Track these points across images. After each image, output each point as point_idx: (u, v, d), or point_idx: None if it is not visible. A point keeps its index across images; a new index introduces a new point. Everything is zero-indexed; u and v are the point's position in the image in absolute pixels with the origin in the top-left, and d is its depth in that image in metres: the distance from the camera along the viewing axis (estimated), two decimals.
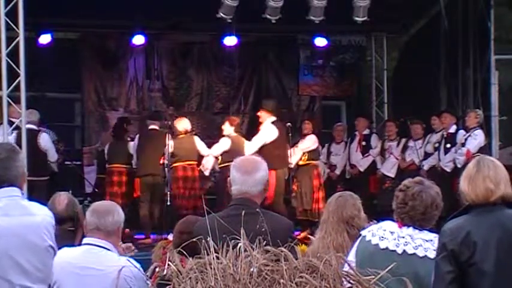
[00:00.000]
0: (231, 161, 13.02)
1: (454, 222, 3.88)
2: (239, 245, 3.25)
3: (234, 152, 11.78)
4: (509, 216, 3.87)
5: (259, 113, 12.00)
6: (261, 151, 11.35)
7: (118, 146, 12.71)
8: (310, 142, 12.75)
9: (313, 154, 12.77)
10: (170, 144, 11.84)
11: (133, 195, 12.36)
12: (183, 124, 12.28)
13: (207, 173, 12.21)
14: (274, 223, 3.86)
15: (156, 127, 12.56)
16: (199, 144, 12.16)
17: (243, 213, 3.71)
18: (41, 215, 3.87)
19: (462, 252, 3.78)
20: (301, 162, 12.59)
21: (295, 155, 12.40)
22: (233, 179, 4.06)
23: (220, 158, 11.95)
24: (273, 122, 11.68)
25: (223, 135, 12.16)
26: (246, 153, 11.58)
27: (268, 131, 11.59)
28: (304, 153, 12.64)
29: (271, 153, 10.99)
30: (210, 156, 12.11)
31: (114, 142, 12.86)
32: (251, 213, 3.80)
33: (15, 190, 3.84)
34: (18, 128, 10.58)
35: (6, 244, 3.71)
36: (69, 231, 5.20)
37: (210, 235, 3.40)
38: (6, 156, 3.84)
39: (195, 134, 12.67)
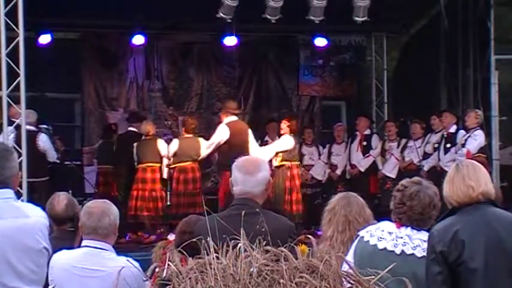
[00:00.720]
0: (180, 162, 13.13)
1: (441, 223, 3.93)
2: (239, 245, 3.25)
3: (183, 154, 11.95)
4: (494, 213, 3.92)
5: (220, 114, 12.01)
6: (218, 152, 11.52)
7: (105, 146, 12.91)
8: (283, 143, 12.23)
9: (288, 155, 12.14)
10: (134, 146, 12.24)
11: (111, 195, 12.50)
12: (144, 127, 12.43)
13: (164, 175, 12.23)
14: (275, 223, 3.86)
15: (134, 129, 12.67)
16: (161, 146, 12.24)
17: (243, 213, 3.71)
18: (35, 216, 3.84)
19: (451, 253, 3.82)
20: (275, 163, 12.07)
21: (266, 155, 11.82)
22: (235, 179, 4.07)
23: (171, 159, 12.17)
24: (228, 123, 11.42)
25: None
26: (200, 155, 11.80)
27: (219, 132, 11.44)
28: (277, 153, 12.11)
29: (226, 154, 11.07)
30: (164, 158, 12.22)
31: (102, 142, 13.12)
32: (252, 213, 3.81)
33: (8, 192, 3.80)
34: (17, 128, 10.58)
35: (0, 246, 3.69)
36: (68, 231, 5.18)
37: (210, 235, 3.40)
38: (0, 156, 3.81)
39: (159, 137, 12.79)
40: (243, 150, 11.14)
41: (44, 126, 11.85)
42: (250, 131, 11.61)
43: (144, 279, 3.90)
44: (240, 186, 4.05)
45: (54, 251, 4.25)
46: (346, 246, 4.58)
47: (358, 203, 4.89)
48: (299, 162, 12.53)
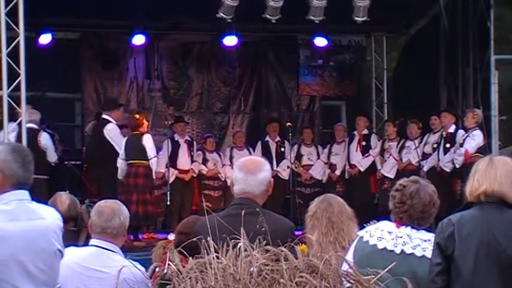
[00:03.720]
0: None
1: (449, 217, 3.98)
2: (239, 244, 3.25)
3: None
4: (498, 215, 3.89)
5: None
6: None
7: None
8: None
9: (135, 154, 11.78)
10: None
11: None
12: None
13: None
14: (275, 223, 3.87)
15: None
16: None
17: (243, 213, 3.72)
18: (50, 218, 3.84)
19: (447, 247, 3.87)
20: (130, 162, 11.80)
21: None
22: (235, 178, 4.07)
23: None
24: None
25: None
26: None
27: None
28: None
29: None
30: None
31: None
32: (252, 213, 3.81)
33: (25, 193, 3.80)
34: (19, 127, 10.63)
35: (14, 249, 3.68)
36: (70, 231, 5.19)
37: (210, 235, 3.40)
38: (30, 159, 3.84)
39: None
40: (99, 149, 11.93)
41: (48, 130, 11.91)
42: (107, 129, 11.74)
43: (149, 285, 3.89)
44: (240, 185, 4.05)
45: None
46: (333, 246, 4.60)
47: (338, 203, 4.93)
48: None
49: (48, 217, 3.82)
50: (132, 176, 11.55)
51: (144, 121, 11.94)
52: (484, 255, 3.80)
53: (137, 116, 11.98)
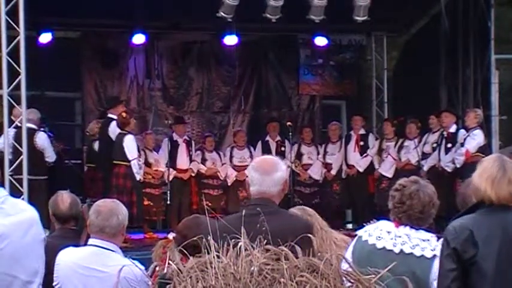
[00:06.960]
0: None
1: (459, 220, 3.88)
2: (238, 244, 3.25)
3: None
4: (510, 216, 3.86)
5: None
6: None
7: None
8: None
9: None
10: None
11: None
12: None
13: None
14: (292, 223, 3.88)
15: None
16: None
17: (261, 213, 3.71)
18: (30, 209, 3.88)
19: (465, 251, 3.79)
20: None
21: None
22: (251, 179, 4.05)
23: None
24: None
25: None
26: None
27: None
28: None
29: None
30: None
31: None
32: (269, 212, 3.80)
33: (3, 190, 3.86)
34: (18, 127, 10.62)
35: (14, 243, 3.72)
36: (71, 230, 5.20)
37: (219, 235, 3.40)
38: None
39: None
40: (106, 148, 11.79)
41: (43, 129, 11.84)
42: (111, 127, 11.73)
43: (149, 283, 3.90)
44: (256, 186, 4.02)
45: (57, 250, 4.26)
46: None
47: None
48: None
49: (28, 209, 3.85)
50: (115, 176, 11.49)
51: (131, 120, 11.79)
52: (504, 259, 3.77)
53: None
